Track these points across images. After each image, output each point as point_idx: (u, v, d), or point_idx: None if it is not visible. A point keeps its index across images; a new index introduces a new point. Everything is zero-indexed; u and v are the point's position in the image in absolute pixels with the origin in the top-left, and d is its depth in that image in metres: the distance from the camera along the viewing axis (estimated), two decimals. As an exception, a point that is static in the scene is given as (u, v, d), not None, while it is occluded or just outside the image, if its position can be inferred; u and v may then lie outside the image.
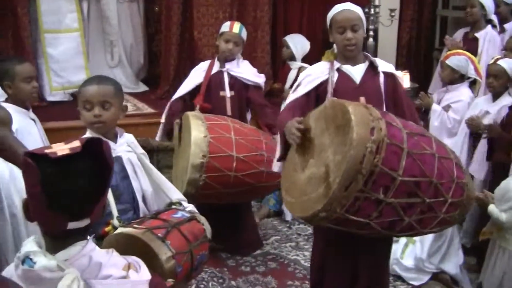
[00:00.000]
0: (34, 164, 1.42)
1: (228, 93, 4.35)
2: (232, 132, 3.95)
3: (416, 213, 2.59)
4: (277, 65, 6.80)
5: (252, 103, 4.45)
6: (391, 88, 3.21)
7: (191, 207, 2.59)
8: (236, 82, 4.38)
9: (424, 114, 4.85)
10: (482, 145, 4.17)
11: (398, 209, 2.52)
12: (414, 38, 7.72)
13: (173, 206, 2.52)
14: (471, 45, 5.09)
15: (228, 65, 4.37)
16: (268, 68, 6.70)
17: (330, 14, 3.18)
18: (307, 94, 3.14)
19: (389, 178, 2.45)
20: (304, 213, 2.62)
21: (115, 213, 2.50)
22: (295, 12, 7.04)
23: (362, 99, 3.06)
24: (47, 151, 1.46)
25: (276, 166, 3.24)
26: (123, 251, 1.65)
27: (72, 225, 1.49)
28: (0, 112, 2.92)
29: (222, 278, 4.16)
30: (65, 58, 6.38)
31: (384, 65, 3.25)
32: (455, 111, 4.54)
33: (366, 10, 6.40)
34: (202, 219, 2.47)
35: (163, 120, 4.32)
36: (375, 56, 6.66)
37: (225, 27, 4.39)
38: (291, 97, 3.18)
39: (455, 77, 4.63)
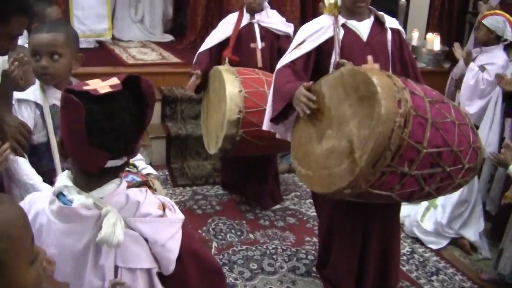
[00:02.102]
0: (78, 100, 1.39)
1: (259, 44, 4.28)
2: (265, 85, 3.90)
3: (435, 182, 2.54)
4: (306, 20, 6.68)
5: (283, 53, 4.37)
6: (398, 46, 3.10)
7: (148, 169, 2.49)
8: (267, 33, 4.31)
9: (458, 81, 4.76)
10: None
11: (420, 180, 2.47)
12: (448, 0, 7.53)
13: (126, 168, 2.45)
14: (508, 10, 4.93)
15: (258, 16, 4.30)
16: (297, 23, 6.59)
17: None
18: (309, 52, 2.98)
19: (415, 151, 2.38)
20: (326, 189, 2.53)
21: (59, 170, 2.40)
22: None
23: (370, 57, 2.96)
24: (86, 88, 1.43)
25: (266, 125, 3.14)
26: None
27: (110, 163, 1.47)
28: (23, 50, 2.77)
29: (240, 230, 4.17)
30: (90, 5, 6.34)
31: (390, 21, 3.11)
32: (489, 72, 4.45)
33: (400, -31, 6.28)
34: (156, 183, 2.34)
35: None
36: (406, 16, 6.57)
37: None
38: (294, 54, 3.00)
39: (491, 38, 4.52)
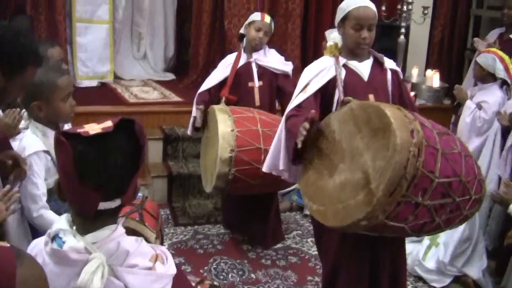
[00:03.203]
0: (66, 141, 1.42)
1: (256, 83, 4.33)
2: (258, 124, 3.94)
3: (446, 213, 2.55)
4: (307, 59, 6.75)
5: (282, 91, 4.41)
6: (397, 86, 3.15)
7: None
8: (264, 72, 4.36)
9: (456, 107, 4.81)
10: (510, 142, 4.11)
11: (432, 210, 2.48)
12: (447, 37, 7.61)
13: None
14: (506, 46, 4.99)
15: (255, 55, 4.35)
16: (298, 62, 6.67)
17: (346, 7, 3.03)
18: (315, 93, 3.01)
19: (428, 180, 2.40)
20: (341, 222, 2.51)
21: None
22: (327, 5, 6.97)
23: (371, 96, 3.00)
24: (79, 130, 1.46)
25: (266, 167, 3.16)
26: None
27: (103, 205, 1.48)
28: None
29: (242, 270, 4.15)
30: (93, 48, 6.48)
31: (389, 62, 3.17)
32: (485, 110, 4.47)
33: (399, 6, 6.35)
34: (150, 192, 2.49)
35: (194, 113, 4.29)
36: (406, 54, 6.64)
37: (256, 16, 4.37)
38: (300, 97, 3.01)
39: (484, 75, 4.56)
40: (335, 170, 2.61)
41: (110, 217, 1.54)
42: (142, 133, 1.53)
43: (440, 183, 2.44)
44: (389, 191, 2.32)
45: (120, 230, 1.54)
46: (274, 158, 3.13)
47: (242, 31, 4.45)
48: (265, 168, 3.20)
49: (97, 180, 1.45)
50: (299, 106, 2.99)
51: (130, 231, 2.19)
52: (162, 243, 2.39)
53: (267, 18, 4.36)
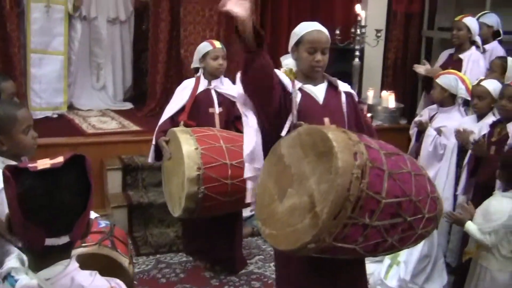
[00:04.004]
0: (9, 175, 1.42)
1: (217, 109, 4.35)
2: (221, 140, 3.95)
3: (398, 233, 2.58)
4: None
5: (238, 117, 4.44)
6: (352, 107, 3.21)
7: (92, 213, 2.58)
8: (224, 99, 4.39)
9: (417, 135, 4.87)
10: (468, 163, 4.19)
11: (382, 231, 2.51)
12: (400, 58, 7.77)
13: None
14: (456, 66, 5.12)
15: (214, 83, 4.38)
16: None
17: (300, 32, 3.09)
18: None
19: (374, 201, 2.43)
20: (290, 246, 2.53)
21: None
22: (282, 32, 7.08)
23: (327, 119, 3.05)
24: (29, 165, 1.46)
25: (247, 173, 3.16)
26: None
27: (50, 241, 1.47)
28: None
29: (205, 297, 4.14)
30: (47, 79, 6.46)
31: (343, 85, 3.23)
32: (445, 136, 4.54)
33: (353, 30, 6.46)
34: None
35: (154, 142, 4.29)
36: (361, 76, 6.75)
37: (207, 46, 4.37)
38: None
39: (445, 97, 4.63)
40: (284, 194, 2.62)
41: (62, 252, 1.53)
42: (91, 170, 1.53)
43: (388, 204, 2.47)
44: (334, 213, 2.34)
45: (74, 265, 1.53)
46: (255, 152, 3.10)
47: (196, 65, 4.46)
48: (245, 155, 3.15)
49: (42, 216, 1.44)
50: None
51: (104, 258, 2.21)
52: (133, 269, 2.40)
53: (218, 43, 4.40)
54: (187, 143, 3.83)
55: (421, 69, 5.66)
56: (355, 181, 2.35)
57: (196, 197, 3.78)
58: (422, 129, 4.73)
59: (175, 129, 4.06)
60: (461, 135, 4.22)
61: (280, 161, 2.72)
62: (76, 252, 2.19)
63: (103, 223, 2.45)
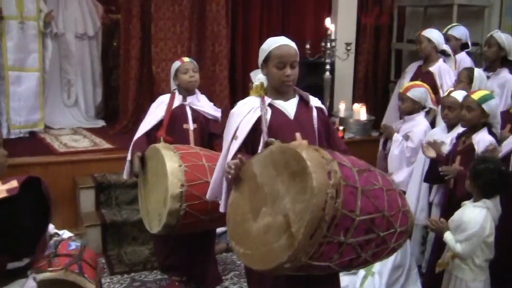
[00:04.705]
0: None
1: (191, 126, 4.34)
2: (203, 159, 3.94)
3: (371, 248, 2.59)
4: (236, 99, 6.82)
5: (213, 136, 4.45)
6: (323, 122, 3.22)
7: (66, 233, 2.60)
8: (198, 116, 4.38)
9: (384, 144, 4.96)
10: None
11: (357, 247, 2.51)
12: (371, 71, 7.88)
13: (54, 238, 2.50)
14: (425, 78, 5.18)
15: (189, 99, 4.37)
16: (227, 102, 6.74)
17: (268, 47, 3.08)
18: (247, 137, 3.04)
19: (349, 219, 2.43)
20: (266, 266, 2.52)
21: None
22: (253, 47, 7.12)
23: (298, 134, 3.04)
24: None
25: (210, 194, 3.22)
26: None
27: (11, 265, 1.46)
28: None
29: (181, 315, 4.11)
30: (26, 97, 6.44)
31: (314, 100, 3.24)
32: (412, 139, 4.61)
33: (323, 44, 6.52)
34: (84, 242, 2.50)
35: (129, 157, 4.26)
36: (332, 89, 6.80)
37: (176, 64, 4.38)
38: (234, 145, 3.04)
39: (415, 108, 4.72)
40: (258, 213, 2.61)
41: (21, 272, 1.52)
42: (48, 191, 1.52)
43: (362, 221, 2.47)
44: (309, 233, 2.34)
45: (30, 284, 1.52)
46: (217, 186, 3.15)
47: (173, 86, 4.46)
48: (209, 195, 3.21)
49: (4, 244, 1.43)
50: (237, 156, 2.96)
51: (70, 284, 2.20)
52: None
53: (186, 58, 4.43)
54: (172, 160, 3.81)
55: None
56: (330, 200, 2.35)
57: (177, 214, 3.76)
58: (388, 136, 4.82)
59: (158, 145, 4.03)
60: (432, 147, 4.26)
61: (252, 179, 2.71)
62: (41, 276, 2.18)
63: (73, 245, 2.43)
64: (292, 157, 2.50)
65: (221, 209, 3.10)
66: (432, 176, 4.18)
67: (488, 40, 5.26)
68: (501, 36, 5.18)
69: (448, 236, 3.44)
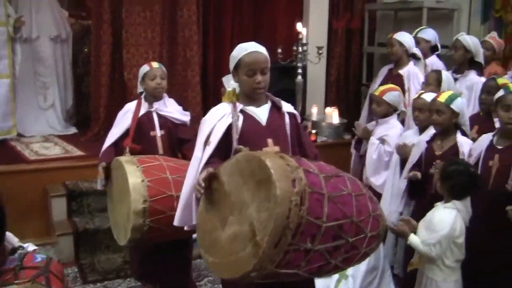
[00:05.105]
0: None
1: (158, 132, 4.30)
2: (167, 171, 3.90)
3: (341, 254, 2.59)
4: (208, 105, 6.82)
5: (182, 141, 4.42)
6: (295, 128, 3.21)
7: (31, 246, 2.59)
8: (165, 121, 4.35)
9: (357, 143, 4.99)
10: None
11: (325, 254, 2.50)
12: (342, 74, 7.93)
13: (19, 251, 2.49)
14: (395, 81, 5.22)
15: (156, 105, 4.34)
16: (199, 108, 6.73)
17: (237, 55, 3.06)
18: (219, 142, 3.02)
19: (315, 226, 2.42)
20: (233, 274, 2.51)
21: None
22: (225, 52, 7.11)
23: (270, 140, 3.04)
24: None
25: (177, 221, 3.18)
26: None
27: None
28: None
29: (155, 322, 4.08)
30: (-2, 104, 6.36)
31: (286, 105, 3.23)
32: (388, 143, 4.63)
33: (294, 48, 6.53)
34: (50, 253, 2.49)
35: (100, 169, 4.22)
36: (305, 93, 6.82)
37: (144, 68, 4.34)
38: (207, 151, 3.03)
39: (390, 111, 4.74)
40: (226, 222, 2.60)
41: None
42: (1, 200, 1.51)
43: (329, 227, 2.47)
44: (274, 242, 2.33)
45: None
46: (185, 213, 3.13)
47: (140, 89, 4.44)
48: (176, 222, 3.19)
49: None
50: (208, 162, 2.98)
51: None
52: None
53: (155, 64, 4.37)
54: (134, 175, 3.77)
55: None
56: (294, 208, 2.34)
57: (141, 229, 3.73)
58: (363, 137, 4.85)
59: (121, 158, 3.98)
60: (402, 149, 4.30)
61: (220, 188, 2.70)
62: None
63: (39, 257, 2.41)
64: (257, 166, 2.49)
65: (193, 222, 3.08)
66: (417, 189, 4.17)
67: (454, 43, 5.31)
68: (466, 39, 5.24)
69: (413, 238, 3.45)
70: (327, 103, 7.45)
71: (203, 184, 2.72)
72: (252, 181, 2.51)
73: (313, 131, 6.52)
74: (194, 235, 4.77)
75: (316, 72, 7.22)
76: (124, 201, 3.80)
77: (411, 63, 5.46)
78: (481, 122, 4.11)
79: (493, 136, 3.70)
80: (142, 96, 4.38)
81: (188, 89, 6.85)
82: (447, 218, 3.43)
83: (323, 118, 6.93)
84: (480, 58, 5.22)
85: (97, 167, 4.18)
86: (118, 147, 4.25)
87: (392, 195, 4.47)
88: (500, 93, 3.66)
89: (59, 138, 6.74)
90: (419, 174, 3.90)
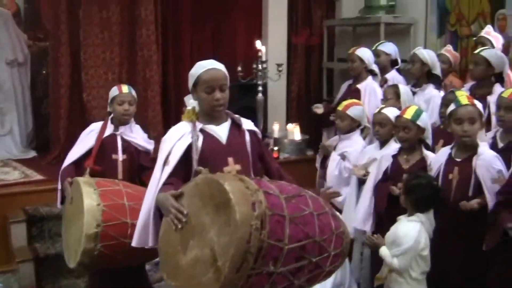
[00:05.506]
0: None
1: (120, 156, 4.26)
2: (125, 197, 3.85)
3: (305, 274, 2.57)
4: (169, 125, 6.76)
5: (143, 168, 4.37)
6: (256, 145, 3.21)
7: None
8: (129, 146, 4.31)
9: (322, 162, 4.97)
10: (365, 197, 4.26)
11: (289, 275, 2.48)
12: (303, 90, 7.97)
13: None
14: (354, 96, 5.27)
15: (121, 129, 4.29)
16: (160, 128, 6.68)
17: (196, 72, 3.05)
18: (178, 162, 2.99)
19: (277, 249, 2.40)
20: None
21: None
22: (185, 70, 7.03)
23: (231, 159, 3.03)
24: None
25: (135, 241, 3.12)
26: None
27: None
28: None
29: None
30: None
31: (247, 123, 3.23)
32: (349, 160, 4.65)
33: (254, 65, 6.55)
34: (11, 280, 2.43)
35: (59, 186, 4.15)
36: (266, 110, 6.83)
37: (114, 91, 4.31)
38: (166, 171, 2.99)
39: (353, 127, 4.76)
40: (187, 246, 2.57)
41: None
42: None
43: (292, 249, 2.44)
44: (235, 267, 2.31)
45: None
46: (143, 233, 3.07)
47: (108, 109, 4.40)
48: (134, 243, 3.13)
49: None
50: (167, 182, 2.94)
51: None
52: None
53: (125, 88, 4.33)
54: (90, 198, 3.71)
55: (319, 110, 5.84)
56: (255, 232, 2.32)
57: (91, 254, 3.66)
58: (326, 153, 4.85)
59: (80, 179, 3.92)
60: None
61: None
62: None
63: None
64: (216, 189, 2.47)
65: (150, 243, 3.04)
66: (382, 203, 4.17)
67: (411, 57, 5.39)
68: (423, 53, 5.32)
69: (383, 251, 3.48)
70: (289, 120, 7.47)
71: (185, 212, 2.64)
72: (212, 205, 2.48)
73: (275, 148, 6.53)
74: (157, 259, 4.76)
75: (276, 89, 7.24)
76: (77, 223, 3.73)
77: (370, 78, 5.53)
78: (445, 136, 4.14)
79: (451, 149, 3.74)
80: (109, 117, 4.34)
81: (148, 109, 6.80)
82: (411, 231, 3.46)
83: (285, 135, 6.93)
84: (437, 71, 5.30)
85: (58, 186, 4.11)
86: (78, 167, 4.19)
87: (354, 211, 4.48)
88: (452, 107, 3.70)
89: (18, 163, 6.60)
90: (396, 190, 3.89)
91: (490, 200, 3.45)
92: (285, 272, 2.46)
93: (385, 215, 3.99)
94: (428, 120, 4.03)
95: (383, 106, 4.59)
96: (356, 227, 4.19)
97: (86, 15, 6.57)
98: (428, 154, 3.96)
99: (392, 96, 4.79)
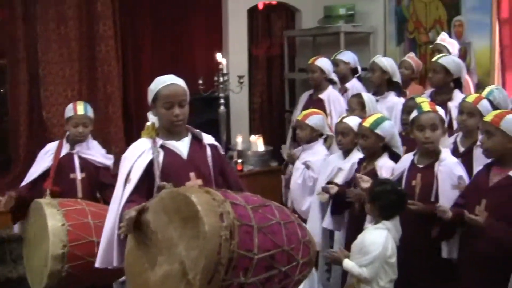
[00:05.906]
0: None
1: (79, 175, 4.21)
2: (89, 216, 3.80)
3: (275, 284, 2.56)
4: (131, 141, 6.69)
5: (103, 185, 4.31)
6: (217, 159, 3.21)
7: None
8: (86, 164, 4.25)
9: (285, 167, 5.05)
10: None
11: (259, 285, 2.47)
12: (265, 101, 7.98)
13: None
14: (317, 105, 5.28)
15: (78, 147, 4.24)
16: (123, 144, 6.61)
17: (155, 88, 3.05)
18: (140, 179, 2.97)
19: (247, 259, 2.40)
20: None
21: None
22: (145, 84, 6.97)
23: (192, 174, 3.02)
24: None
25: (99, 262, 3.08)
26: None
27: None
28: None
29: None
30: None
31: (207, 137, 3.23)
32: (313, 169, 4.65)
33: (215, 78, 6.53)
34: None
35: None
36: (228, 123, 6.82)
37: (69, 111, 4.25)
38: (128, 189, 2.96)
39: (314, 136, 4.76)
40: (155, 262, 2.55)
41: None
42: None
43: (261, 259, 2.44)
44: (207, 279, 2.30)
45: None
46: (107, 253, 3.03)
47: (65, 127, 4.33)
48: (98, 264, 3.08)
49: None
50: (131, 200, 2.90)
51: None
52: None
53: (80, 109, 4.25)
54: (54, 218, 3.65)
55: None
56: (225, 243, 2.31)
57: (59, 275, 3.60)
58: (292, 161, 4.86)
59: (41, 201, 3.85)
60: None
61: (146, 227, 2.64)
62: None
63: None
64: (182, 202, 2.45)
65: (115, 263, 2.99)
66: (337, 207, 4.20)
67: (371, 65, 5.44)
68: (382, 61, 5.38)
69: (347, 264, 3.47)
70: (252, 132, 7.47)
71: (125, 223, 2.64)
72: (179, 219, 2.46)
73: (239, 161, 6.51)
74: (123, 278, 4.69)
75: (238, 101, 7.23)
76: (42, 245, 3.67)
77: (330, 87, 5.57)
78: (408, 142, 4.17)
79: (414, 155, 3.77)
80: (65, 136, 4.28)
81: (110, 125, 6.72)
82: (378, 239, 3.46)
83: (248, 147, 6.91)
84: (397, 78, 5.36)
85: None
86: (36, 187, 4.12)
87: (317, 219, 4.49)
88: (414, 113, 3.74)
89: (-23, 184, 6.47)
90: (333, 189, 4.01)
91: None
92: (255, 282, 2.45)
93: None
94: (391, 128, 4.02)
95: (345, 115, 4.59)
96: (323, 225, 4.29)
97: (43, 31, 6.47)
98: (380, 164, 3.95)
99: (356, 106, 4.79)
